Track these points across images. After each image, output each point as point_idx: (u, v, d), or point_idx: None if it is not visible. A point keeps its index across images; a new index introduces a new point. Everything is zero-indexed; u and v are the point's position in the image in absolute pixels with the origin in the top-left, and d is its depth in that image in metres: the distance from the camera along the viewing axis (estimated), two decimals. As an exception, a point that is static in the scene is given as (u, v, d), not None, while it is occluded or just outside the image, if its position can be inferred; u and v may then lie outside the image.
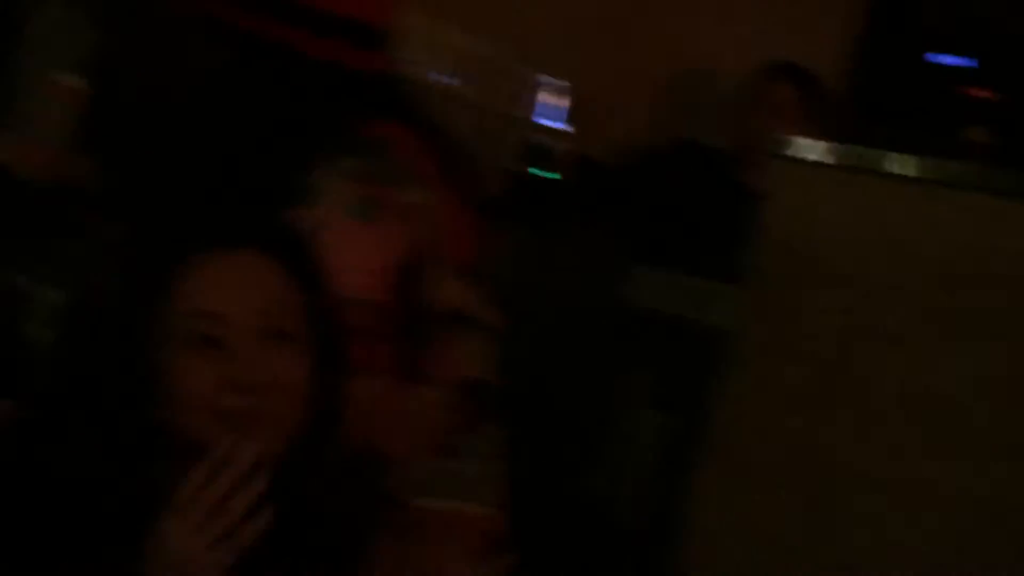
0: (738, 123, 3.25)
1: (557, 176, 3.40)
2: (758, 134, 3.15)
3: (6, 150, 2.90)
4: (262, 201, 1.74)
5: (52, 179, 2.80)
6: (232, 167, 1.87)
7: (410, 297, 1.82)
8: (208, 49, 1.97)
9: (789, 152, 2.15)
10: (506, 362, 2.02)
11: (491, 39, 3.22)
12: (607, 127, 3.52)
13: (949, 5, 4.07)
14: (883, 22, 4.08)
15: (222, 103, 1.89)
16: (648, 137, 3.61)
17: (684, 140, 3.51)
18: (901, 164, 2.05)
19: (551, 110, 3.42)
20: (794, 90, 3.19)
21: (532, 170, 3.34)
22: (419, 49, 2.76)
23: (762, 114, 3.18)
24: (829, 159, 2.14)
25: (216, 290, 1.33)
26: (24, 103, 2.96)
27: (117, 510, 1.27)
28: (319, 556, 1.37)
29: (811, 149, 2.14)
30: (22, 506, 1.27)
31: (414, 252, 1.84)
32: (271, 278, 1.35)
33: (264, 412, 1.30)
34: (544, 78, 3.38)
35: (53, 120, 2.86)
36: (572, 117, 3.45)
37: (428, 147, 1.98)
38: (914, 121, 3.82)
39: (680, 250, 3.12)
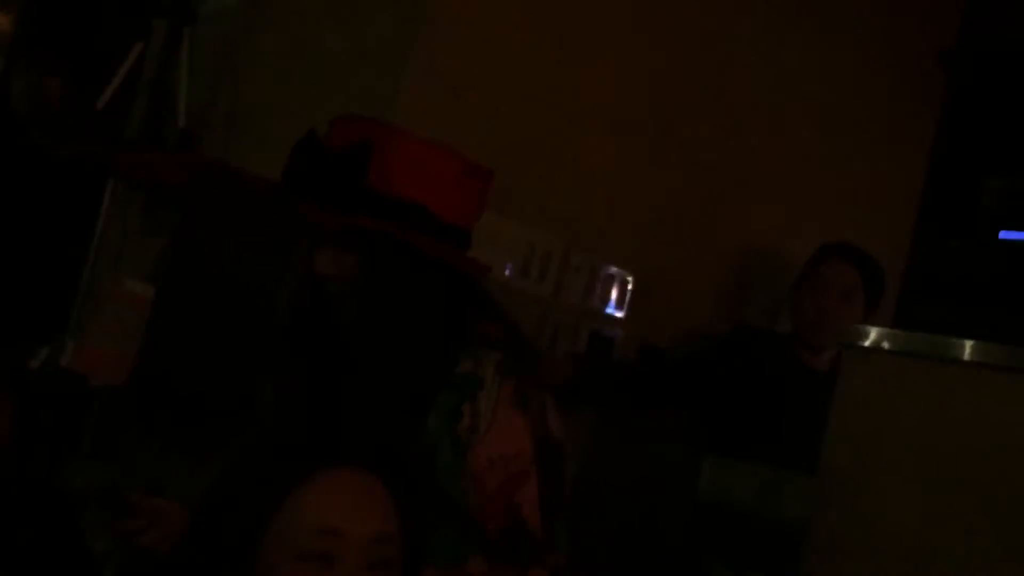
0: (799, 306, 3.24)
1: (622, 365, 3.40)
2: (819, 317, 3.15)
3: (78, 357, 2.96)
4: (382, 414, 1.79)
5: (124, 384, 2.84)
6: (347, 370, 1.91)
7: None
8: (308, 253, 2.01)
9: (859, 340, 2.14)
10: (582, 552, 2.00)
11: (556, 232, 3.26)
12: (669, 313, 3.53)
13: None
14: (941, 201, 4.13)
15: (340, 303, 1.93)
16: (709, 321, 3.61)
17: (749, 326, 3.50)
18: (975, 351, 2.03)
19: (615, 299, 3.45)
20: (851, 270, 3.19)
21: (598, 359, 3.34)
22: (490, 244, 2.82)
23: (822, 296, 3.17)
24: (900, 347, 2.12)
25: (337, 508, 1.34)
26: (97, 311, 3.03)
27: None
28: None
29: (883, 337, 2.12)
30: None
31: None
32: (382, 502, 1.35)
33: None
34: (608, 268, 3.42)
35: (124, 326, 2.91)
36: (635, 305, 3.47)
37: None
38: (985, 302, 3.82)
39: (751, 438, 3.09)
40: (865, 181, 4.01)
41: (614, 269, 3.43)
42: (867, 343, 2.11)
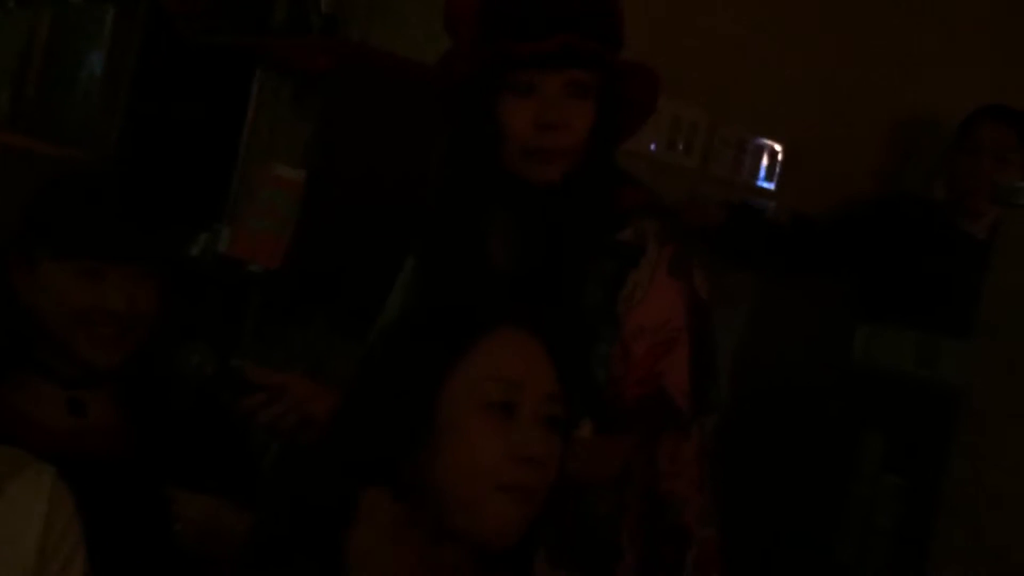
0: (953, 170, 3.15)
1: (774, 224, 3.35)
2: (975, 180, 3.05)
3: (235, 243, 3.04)
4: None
5: (278, 268, 2.91)
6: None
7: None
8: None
9: (1016, 200, 2.07)
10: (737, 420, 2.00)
11: (702, 104, 3.22)
12: (821, 183, 3.46)
13: None
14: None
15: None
16: (864, 191, 3.53)
17: (902, 192, 3.42)
18: None
19: (765, 170, 3.39)
20: (1007, 131, 3.07)
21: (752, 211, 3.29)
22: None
23: (977, 159, 3.07)
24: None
25: (516, 360, 1.36)
26: (251, 197, 3.10)
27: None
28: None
29: (1038, 194, 2.05)
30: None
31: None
32: (551, 363, 1.38)
33: (535, 489, 1.32)
34: (757, 139, 3.36)
35: (277, 211, 2.98)
36: (785, 175, 3.41)
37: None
38: None
39: (905, 305, 3.04)
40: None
41: (763, 140, 3.37)
42: (1020, 200, 2.04)
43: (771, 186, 3.41)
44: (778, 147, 3.39)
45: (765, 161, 3.38)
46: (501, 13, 1.81)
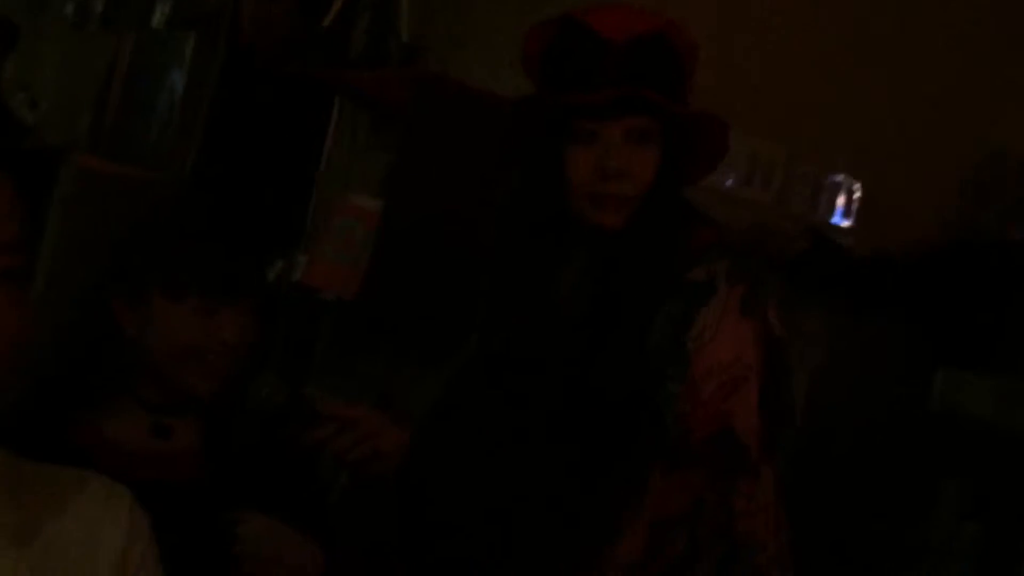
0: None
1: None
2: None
3: (310, 272, 3.05)
4: None
5: (353, 298, 2.92)
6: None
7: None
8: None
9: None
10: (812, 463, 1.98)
11: (780, 140, 3.20)
12: (899, 222, 3.42)
13: None
14: None
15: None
16: (944, 231, 3.49)
17: (981, 235, 3.37)
18: None
19: (842, 208, 3.36)
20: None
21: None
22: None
23: None
24: None
25: None
26: (328, 227, 3.11)
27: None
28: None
29: None
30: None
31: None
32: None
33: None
34: (835, 176, 3.33)
35: (354, 241, 2.99)
36: (862, 213, 3.38)
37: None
38: None
39: (987, 349, 2.99)
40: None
41: (840, 177, 3.34)
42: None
43: (848, 224, 3.38)
44: (856, 185, 3.36)
45: (842, 199, 3.35)
46: (560, 63, 1.84)
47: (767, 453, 1.84)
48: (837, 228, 3.36)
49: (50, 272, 2.37)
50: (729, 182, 3.11)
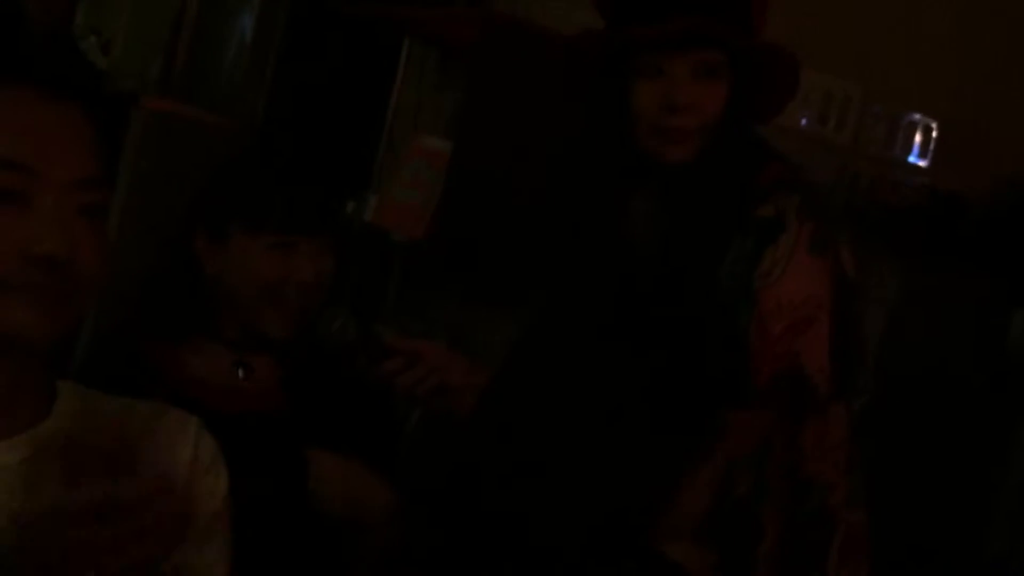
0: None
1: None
2: None
3: (381, 212, 3.06)
4: None
5: (424, 238, 2.92)
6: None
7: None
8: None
9: None
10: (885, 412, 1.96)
11: (856, 79, 3.15)
12: (976, 162, 3.36)
13: None
14: None
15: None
16: (1020, 171, 3.42)
17: None
18: None
19: (918, 147, 3.30)
20: None
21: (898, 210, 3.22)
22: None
23: None
24: None
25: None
26: (397, 167, 3.12)
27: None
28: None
29: None
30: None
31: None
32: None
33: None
34: (910, 115, 3.27)
35: (423, 182, 2.99)
36: (939, 153, 3.32)
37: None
38: None
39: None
40: None
41: (917, 116, 3.28)
42: None
43: (924, 163, 3.32)
44: (933, 124, 3.30)
45: (919, 138, 3.29)
46: None
47: (837, 393, 1.82)
48: (914, 167, 3.31)
49: (123, 213, 2.40)
50: (804, 121, 3.07)
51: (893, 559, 1.97)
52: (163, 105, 3.81)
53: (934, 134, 3.30)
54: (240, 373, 1.87)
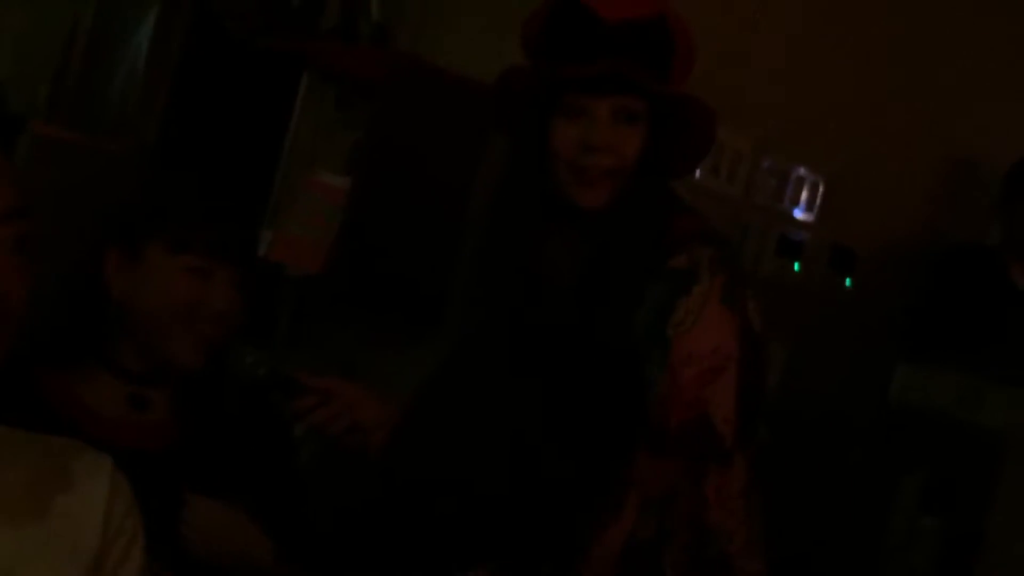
0: (1005, 217, 3.15)
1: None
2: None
3: (275, 247, 3.03)
4: None
5: (319, 273, 2.91)
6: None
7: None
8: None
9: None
10: (773, 460, 1.99)
11: (747, 133, 3.21)
12: (861, 218, 3.46)
13: None
14: None
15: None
16: (902, 229, 3.53)
17: (961, 242, 3.41)
18: None
19: (805, 202, 3.39)
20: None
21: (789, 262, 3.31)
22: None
23: None
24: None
25: None
26: (293, 203, 3.09)
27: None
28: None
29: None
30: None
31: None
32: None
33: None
34: (799, 169, 3.36)
35: (319, 217, 2.98)
36: (826, 207, 3.41)
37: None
38: None
39: (949, 349, 3.04)
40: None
41: (804, 171, 3.37)
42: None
43: (809, 218, 3.41)
44: (820, 180, 3.39)
45: (806, 193, 3.38)
46: (557, 36, 1.84)
47: (742, 443, 1.85)
48: (799, 221, 3.39)
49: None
50: (697, 173, 3.12)
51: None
52: (49, 130, 3.74)
53: (821, 189, 3.39)
54: (132, 407, 1.81)
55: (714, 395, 1.82)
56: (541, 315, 1.89)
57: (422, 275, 2.80)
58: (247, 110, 3.59)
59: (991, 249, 3.23)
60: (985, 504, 2.18)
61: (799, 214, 3.39)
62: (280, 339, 3.03)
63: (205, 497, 1.74)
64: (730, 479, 1.84)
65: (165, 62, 3.80)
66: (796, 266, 3.38)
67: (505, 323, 1.91)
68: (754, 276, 3.24)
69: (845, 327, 3.41)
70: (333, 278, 2.86)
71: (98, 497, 1.31)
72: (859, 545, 2.96)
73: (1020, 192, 3.14)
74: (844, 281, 3.39)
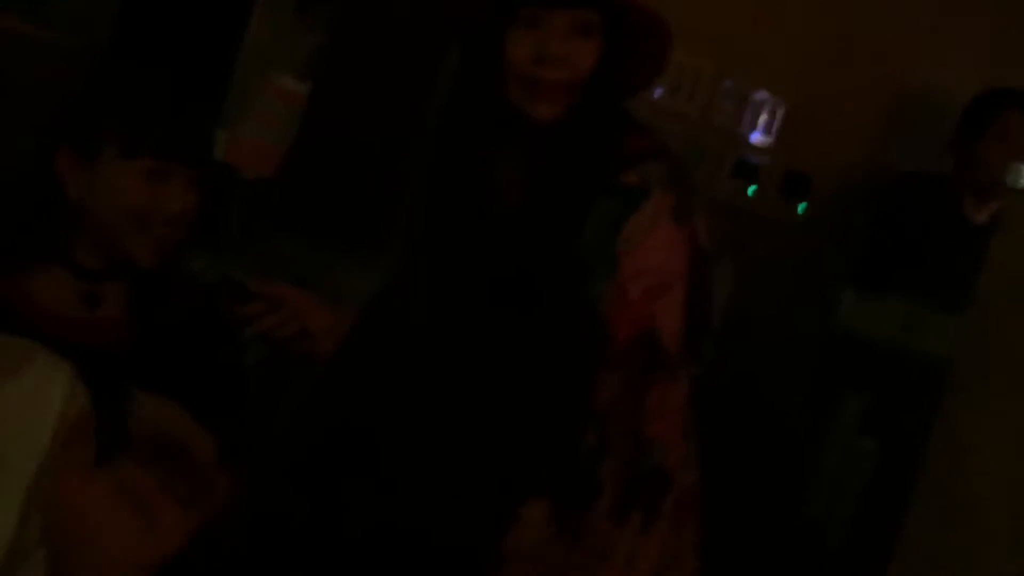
0: (975, 154, 3.17)
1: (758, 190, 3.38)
2: (984, 162, 3.08)
3: (231, 150, 3.01)
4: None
5: (274, 176, 2.89)
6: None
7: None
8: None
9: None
10: (721, 380, 2.01)
11: (709, 55, 3.21)
12: (819, 145, 3.46)
13: None
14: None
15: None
16: (857, 155, 3.55)
17: (918, 171, 3.43)
18: None
19: (764, 125, 3.39)
20: (1022, 118, 3.09)
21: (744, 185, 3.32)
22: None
23: (1006, 148, 3.08)
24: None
25: None
26: (249, 105, 3.06)
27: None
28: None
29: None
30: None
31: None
32: None
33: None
34: (760, 93, 3.35)
35: (276, 121, 2.95)
36: (784, 133, 3.41)
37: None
38: None
39: (897, 276, 3.06)
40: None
41: (765, 95, 3.37)
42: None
43: (768, 141, 3.41)
44: (780, 104, 3.39)
45: (765, 116, 3.38)
46: None
47: (686, 358, 1.87)
48: (756, 145, 3.40)
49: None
50: (657, 93, 3.12)
51: (721, 520, 2.04)
52: (2, 21, 3.66)
53: (780, 113, 3.39)
54: (86, 304, 1.81)
55: (661, 310, 1.83)
56: (488, 230, 1.88)
57: (378, 185, 2.79)
58: (204, 10, 3.53)
59: (945, 179, 3.25)
60: (923, 429, 2.21)
61: (757, 137, 3.39)
62: (231, 242, 3.02)
63: (152, 393, 1.74)
64: (673, 392, 1.86)
65: (122, -44, 3.73)
66: (751, 190, 3.38)
67: (453, 239, 1.91)
68: (709, 197, 3.25)
69: (796, 252, 3.43)
70: (288, 182, 2.84)
71: (55, 401, 1.32)
72: (797, 461, 3.01)
73: (976, 129, 3.16)
74: (797, 206, 3.40)
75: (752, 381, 3.15)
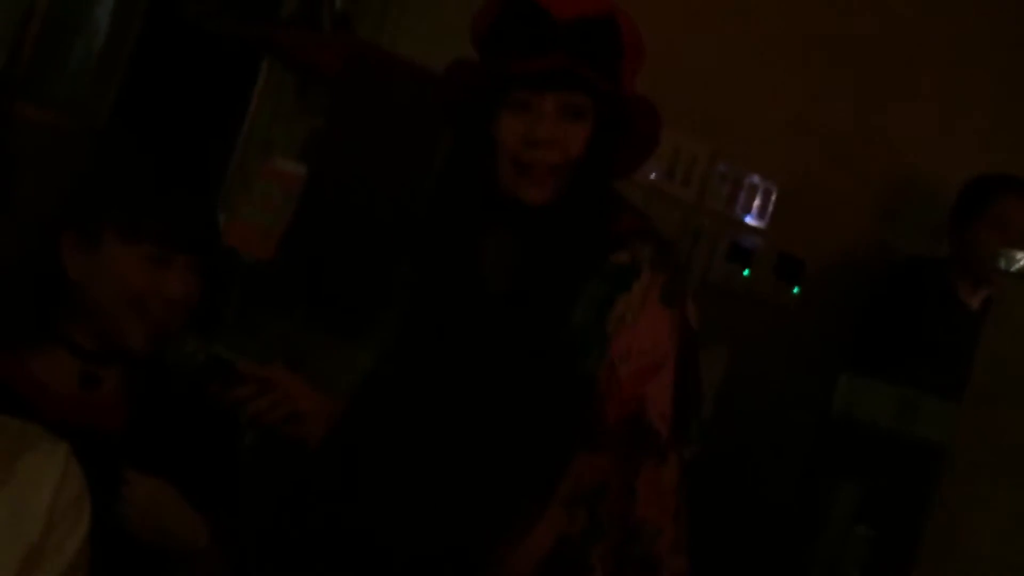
0: (957, 235, 3.19)
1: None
2: (979, 247, 3.09)
3: (228, 232, 3.02)
4: None
5: (270, 259, 2.90)
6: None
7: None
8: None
9: (1016, 269, 2.09)
10: (714, 464, 2.01)
11: (703, 138, 3.24)
12: (814, 228, 3.48)
13: None
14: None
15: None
16: (851, 240, 3.56)
17: (915, 256, 3.44)
18: None
19: (758, 208, 3.42)
20: (1018, 204, 3.12)
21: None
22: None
23: (983, 227, 3.11)
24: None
25: None
26: (248, 188, 3.08)
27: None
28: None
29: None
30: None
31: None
32: None
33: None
34: (753, 177, 3.38)
35: (274, 204, 2.96)
36: (778, 216, 3.43)
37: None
38: None
39: (892, 361, 3.07)
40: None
41: (758, 178, 3.40)
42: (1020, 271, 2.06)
43: (761, 224, 3.43)
44: (773, 187, 3.41)
45: (758, 200, 3.41)
46: (506, 31, 1.85)
47: (675, 441, 1.87)
48: (751, 227, 3.42)
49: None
50: (653, 175, 3.15)
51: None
52: (4, 104, 3.70)
53: (773, 196, 3.42)
54: (85, 385, 1.81)
55: (651, 391, 1.83)
56: (479, 313, 1.89)
57: (373, 267, 2.80)
58: (205, 94, 3.57)
59: (940, 263, 3.27)
60: (918, 516, 2.19)
61: (751, 221, 3.42)
62: (226, 325, 3.02)
63: (145, 475, 1.74)
64: (663, 475, 1.86)
65: (123, 41, 3.78)
66: (746, 272, 3.40)
67: (443, 320, 1.91)
68: (704, 280, 3.27)
69: (790, 335, 3.43)
70: (283, 265, 2.85)
71: (47, 486, 1.32)
72: (792, 550, 2.99)
73: (971, 213, 3.18)
74: (792, 289, 3.41)
75: (746, 465, 3.15)
